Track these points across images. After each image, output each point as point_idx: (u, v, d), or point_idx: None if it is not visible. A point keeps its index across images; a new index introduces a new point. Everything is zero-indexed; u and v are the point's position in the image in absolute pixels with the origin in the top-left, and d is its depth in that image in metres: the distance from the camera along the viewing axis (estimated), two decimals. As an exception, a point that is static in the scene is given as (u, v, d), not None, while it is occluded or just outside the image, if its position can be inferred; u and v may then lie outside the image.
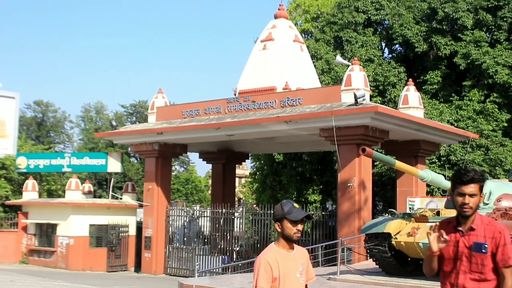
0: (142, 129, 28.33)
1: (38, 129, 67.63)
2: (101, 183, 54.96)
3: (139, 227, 30.22)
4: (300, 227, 4.51)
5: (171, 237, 28.79)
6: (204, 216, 29.14)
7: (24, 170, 33.53)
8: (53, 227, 30.41)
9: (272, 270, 4.46)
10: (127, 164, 52.69)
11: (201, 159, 33.09)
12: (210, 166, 34.37)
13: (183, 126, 25.85)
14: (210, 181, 46.85)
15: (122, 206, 30.89)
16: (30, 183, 32.91)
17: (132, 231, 30.72)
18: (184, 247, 28.35)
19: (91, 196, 33.54)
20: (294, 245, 4.65)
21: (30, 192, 32.71)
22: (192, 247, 28.13)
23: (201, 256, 27.21)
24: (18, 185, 35.91)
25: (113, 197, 32.65)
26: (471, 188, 4.30)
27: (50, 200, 33.27)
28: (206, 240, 28.35)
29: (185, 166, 70.24)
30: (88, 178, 39.90)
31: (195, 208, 33.72)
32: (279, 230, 4.60)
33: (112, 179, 34.03)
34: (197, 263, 22.20)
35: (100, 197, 45.58)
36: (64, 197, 32.12)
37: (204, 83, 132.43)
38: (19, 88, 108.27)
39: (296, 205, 4.57)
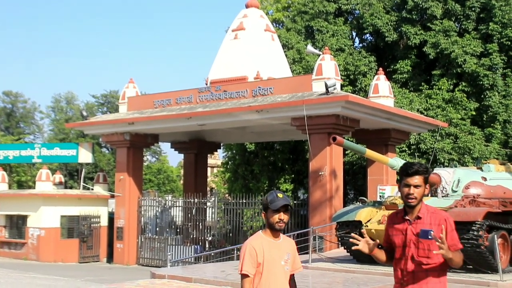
0: (113, 119, 28.19)
1: (8, 120, 66.83)
2: (72, 173, 54.61)
3: (111, 218, 30.09)
4: (282, 216, 4.62)
5: (143, 227, 28.74)
6: (176, 206, 29.15)
7: (-6, 161, 33.16)
8: (23, 218, 30.12)
9: (257, 255, 4.59)
10: (98, 154, 52.33)
11: (173, 149, 33.00)
12: (182, 156, 34.32)
13: (154, 116, 25.75)
14: (182, 171, 46.79)
15: (93, 197, 30.72)
16: (0, 174, 32.54)
17: (104, 221, 30.58)
18: (157, 237, 28.33)
19: (62, 187, 33.26)
20: (281, 234, 4.79)
21: (0, 184, 32.34)
22: (165, 237, 28.11)
23: (174, 246, 27.20)
24: (-12, 177, 35.48)
25: (84, 187, 32.45)
26: (416, 179, 4.63)
27: (20, 191, 32.95)
28: (178, 230, 28.36)
29: (156, 156, 70.07)
30: (59, 169, 39.67)
31: (167, 198, 33.66)
32: (264, 219, 4.74)
33: (83, 169, 33.83)
34: (169, 253, 22.28)
35: (71, 188, 45.27)
36: (34, 188, 31.82)
37: (176, 72, 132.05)
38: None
39: (280, 194, 4.66)
